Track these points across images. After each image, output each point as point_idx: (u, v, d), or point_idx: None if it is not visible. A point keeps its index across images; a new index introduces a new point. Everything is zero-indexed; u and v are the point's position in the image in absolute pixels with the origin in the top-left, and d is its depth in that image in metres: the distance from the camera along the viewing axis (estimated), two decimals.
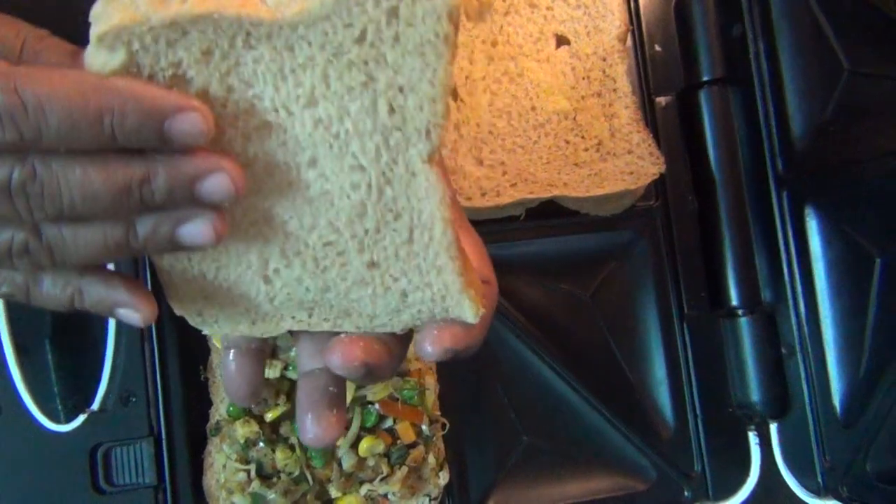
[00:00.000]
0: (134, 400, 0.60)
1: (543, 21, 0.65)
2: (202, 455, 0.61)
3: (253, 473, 0.59)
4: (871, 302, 0.63)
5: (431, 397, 0.62)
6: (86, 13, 0.33)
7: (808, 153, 0.65)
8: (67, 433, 0.58)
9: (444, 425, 0.62)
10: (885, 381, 0.63)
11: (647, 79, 0.70)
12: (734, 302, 0.69)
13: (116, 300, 0.37)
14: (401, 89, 0.35)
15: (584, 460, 0.67)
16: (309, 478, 0.60)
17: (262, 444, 0.59)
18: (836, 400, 0.65)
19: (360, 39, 0.34)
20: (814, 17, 0.65)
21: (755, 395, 0.68)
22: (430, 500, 0.61)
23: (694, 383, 0.68)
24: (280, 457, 0.59)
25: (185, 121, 0.33)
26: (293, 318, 0.41)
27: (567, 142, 0.64)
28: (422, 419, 0.61)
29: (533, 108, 0.64)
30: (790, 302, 0.67)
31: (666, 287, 0.69)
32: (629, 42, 0.69)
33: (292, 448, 0.59)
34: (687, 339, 0.69)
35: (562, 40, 0.65)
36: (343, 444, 0.60)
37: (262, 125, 0.36)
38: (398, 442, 0.60)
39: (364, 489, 0.60)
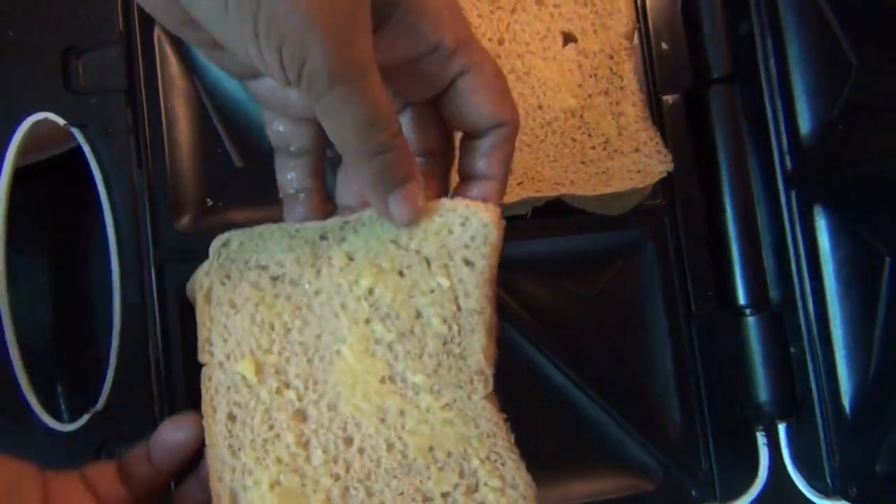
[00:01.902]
0: (139, 398, 0.59)
1: (550, 19, 0.65)
2: None
3: None
4: (881, 301, 0.62)
5: None
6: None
7: (817, 151, 0.65)
8: (72, 433, 0.58)
9: None
10: None
11: (655, 77, 0.70)
12: (742, 301, 0.68)
13: None
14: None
15: (591, 461, 0.67)
16: None
17: None
18: (846, 400, 0.64)
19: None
20: (822, 13, 0.65)
21: (763, 394, 0.67)
22: None
23: (701, 383, 0.68)
24: None
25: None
26: None
27: (574, 140, 0.63)
28: None
29: (540, 106, 0.63)
30: (799, 301, 0.66)
31: (673, 286, 0.69)
32: (636, 40, 0.68)
33: None
34: (694, 338, 0.68)
35: (569, 38, 0.65)
36: None
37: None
38: None
39: None
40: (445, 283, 0.48)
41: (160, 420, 0.59)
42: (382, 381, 0.48)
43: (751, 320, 0.67)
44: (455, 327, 0.48)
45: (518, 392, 0.66)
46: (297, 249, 0.49)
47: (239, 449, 0.47)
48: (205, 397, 0.49)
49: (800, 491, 0.67)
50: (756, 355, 0.67)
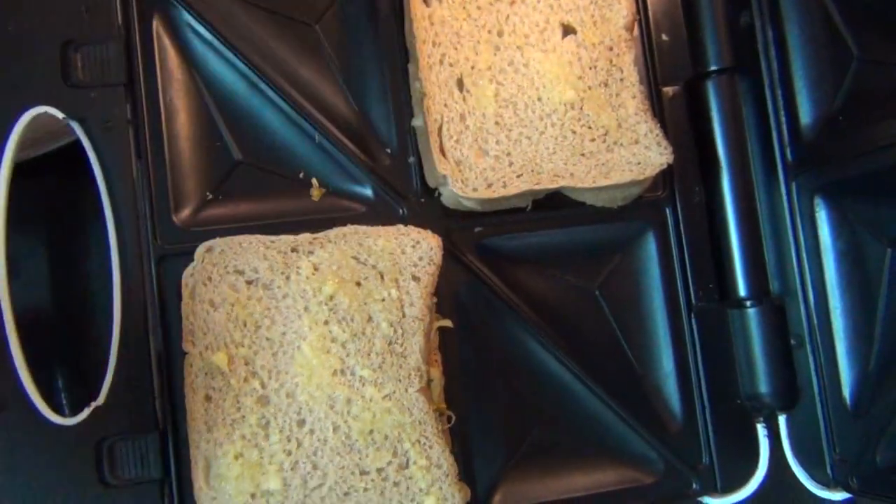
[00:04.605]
0: (139, 393, 0.59)
1: (550, 10, 0.64)
2: None
3: None
4: (882, 293, 0.62)
5: (437, 389, 0.62)
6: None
7: (818, 143, 0.65)
8: (73, 427, 0.58)
9: (450, 418, 0.62)
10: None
11: (655, 68, 0.70)
12: (742, 293, 0.68)
13: None
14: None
15: (592, 453, 0.67)
16: None
17: None
18: (846, 391, 0.64)
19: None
20: (822, 4, 0.64)
21: (764, 386, 0.67)
22: None
23: (702, 375, 0.68)
24: None
25: None
26: None
27: (574, 132, 0.63)
28: None
29: (539, 99, 0.63)
30: (799, 293, 0.66)
31: (674, 278, 0.69)
32: (636, 31, 0.68)
33: None
34: (695, 330, 0.68)
35: (568, 30, 0.65)
36: None
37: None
38: None
39: None
40: (395, 293, 0.58)
41: (160, 415, 0.60)
42: (335, 373, 0.57)
43: (751, 312, 0.67)
44: (400, 330, 0.58)
45: (519, 384, 0.66)
46: (271, 258, 0.59)
47: (212, 425, 0.57)
48: (187, 380, 0.58)
49: (800, 482, 0.67)
50: (756, 347, 0.67)
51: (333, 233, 0.60)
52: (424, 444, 0.57)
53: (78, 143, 0.61)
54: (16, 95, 0.60)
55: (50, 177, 0.64)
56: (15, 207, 0.59)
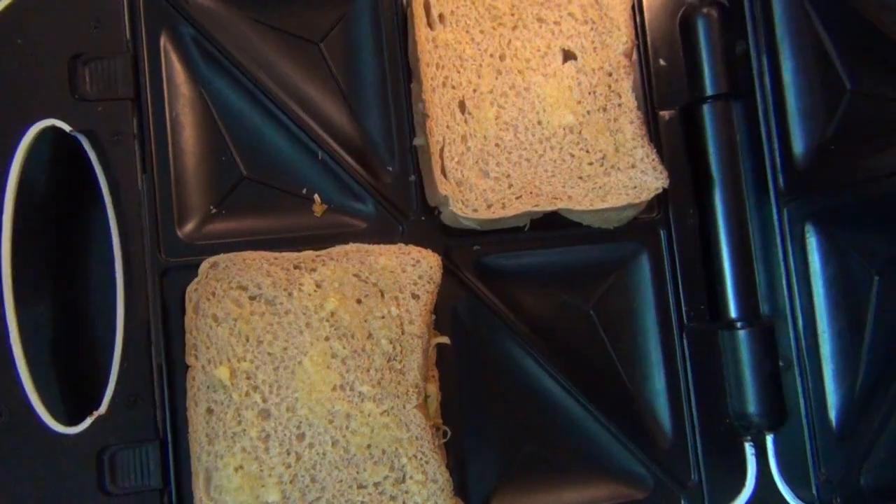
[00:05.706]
0: (141, 403, 0.60)
1: (551, 36, 0.66)
2: None
3: None
4: (869, 318, 0.63)
5: (434, 405, 0.63)
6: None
7: (810, 171, 0.66)
8: (74, 436, 0.59)
9: (445, 433, 0.63)
10: (881, 396, 0.64)
11: (652, 92, 0.71)
12: (733, 314, 0.69)
13: None
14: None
15: (583, 469, 0.68)
16: None
17: None
18: (833, 413, 0.66)
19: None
20: (818, 36, 0.66)
21: (752, 406, 0.68)
22: None
23: (692, 394, 0.69)
24: None
25: None
26: None
27: (572, 155, 0.64)
28: None
29: (539, 122, 0.64)
30: (789, 316, 0.67)
31: (666, 299, 0.70)
32: (634, 56, 0.69)
33: None
34: (686, 350, 0.70)
35: (569, 55, 0.66)
36: None
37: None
38: None
39: None
40: (395, 311, 0.60)
41: (161, 424, 0.60)
42: (334, 389, 0.58)
43: (741, 333, 0.69)
44: (399, 348, 0.59)
45: (513, 400, 0.67)
46: (274, 275, 0.60)
47: (214, 438, 0.58)
48: (189, 393, 0.59)
49: (786, 501, 0.68)
50: (746, 368, 0.68)
51: (336, 250, 0.61)
52: (421, 459, 0.58)
53: (84, 155, 0.61)
54: (24, 108, 0.61)
55: (56, 189, 0.65)
56: (21, 218, 0.60)
